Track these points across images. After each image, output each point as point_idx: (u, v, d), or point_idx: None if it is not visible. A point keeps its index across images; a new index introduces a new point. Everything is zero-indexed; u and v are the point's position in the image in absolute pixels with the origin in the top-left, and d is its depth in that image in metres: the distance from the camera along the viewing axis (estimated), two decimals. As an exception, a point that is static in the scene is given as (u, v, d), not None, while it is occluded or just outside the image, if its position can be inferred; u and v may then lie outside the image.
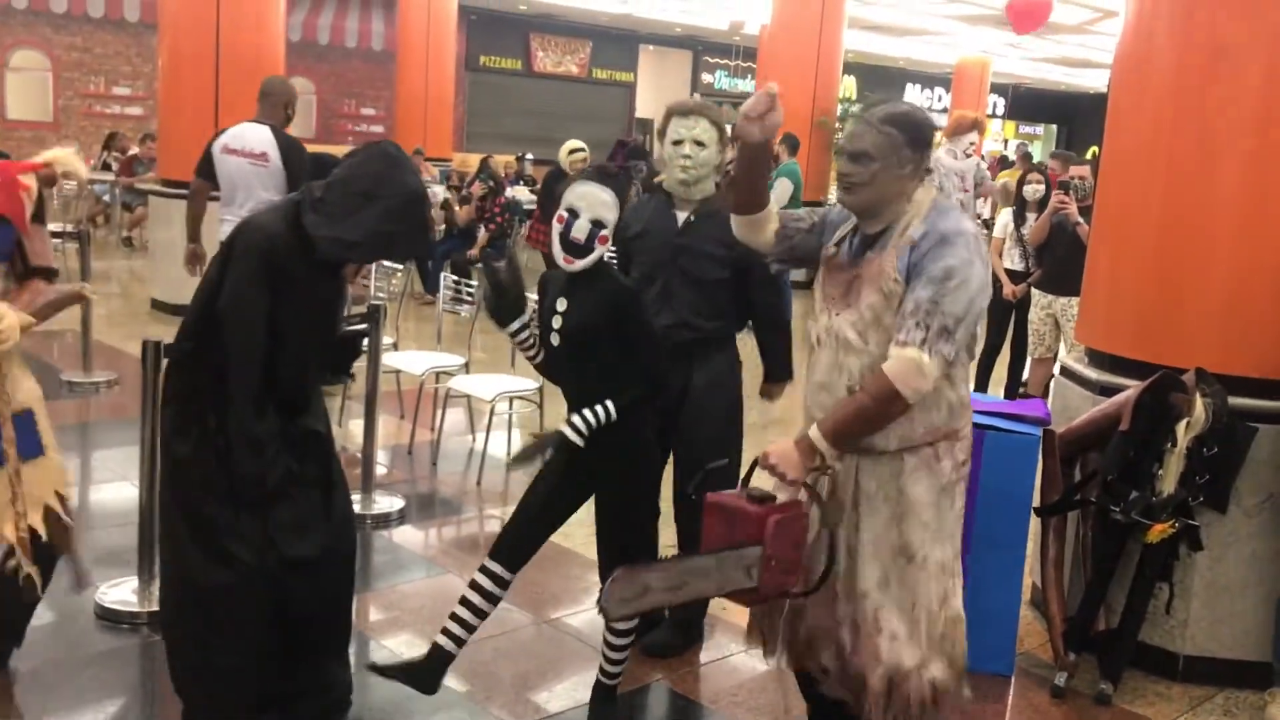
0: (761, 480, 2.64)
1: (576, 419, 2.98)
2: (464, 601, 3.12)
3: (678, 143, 3.46)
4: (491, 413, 5.52)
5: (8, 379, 2.94)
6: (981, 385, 7.23)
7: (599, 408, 2.97)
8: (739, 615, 4.00)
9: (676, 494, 3.69)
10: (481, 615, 3.12)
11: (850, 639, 2.77)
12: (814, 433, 2.60)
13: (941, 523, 2.71)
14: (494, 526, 4.93)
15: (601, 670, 3.24)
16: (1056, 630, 3.80)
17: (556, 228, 2.96)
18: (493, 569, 3.10)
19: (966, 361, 2.72)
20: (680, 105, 3.54)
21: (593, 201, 2.96)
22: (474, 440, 5.99)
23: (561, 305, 3.02)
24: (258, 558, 2.80)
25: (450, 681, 3.53)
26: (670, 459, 3.68)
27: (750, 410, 3.78)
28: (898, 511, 2.69)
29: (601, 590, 2.52)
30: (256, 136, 5.86)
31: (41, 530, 3.01)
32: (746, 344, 3.75)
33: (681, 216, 3.52)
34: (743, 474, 2.69)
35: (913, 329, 2.52)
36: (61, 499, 3.10)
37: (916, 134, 2.64)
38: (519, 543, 3.12)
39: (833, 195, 11.16)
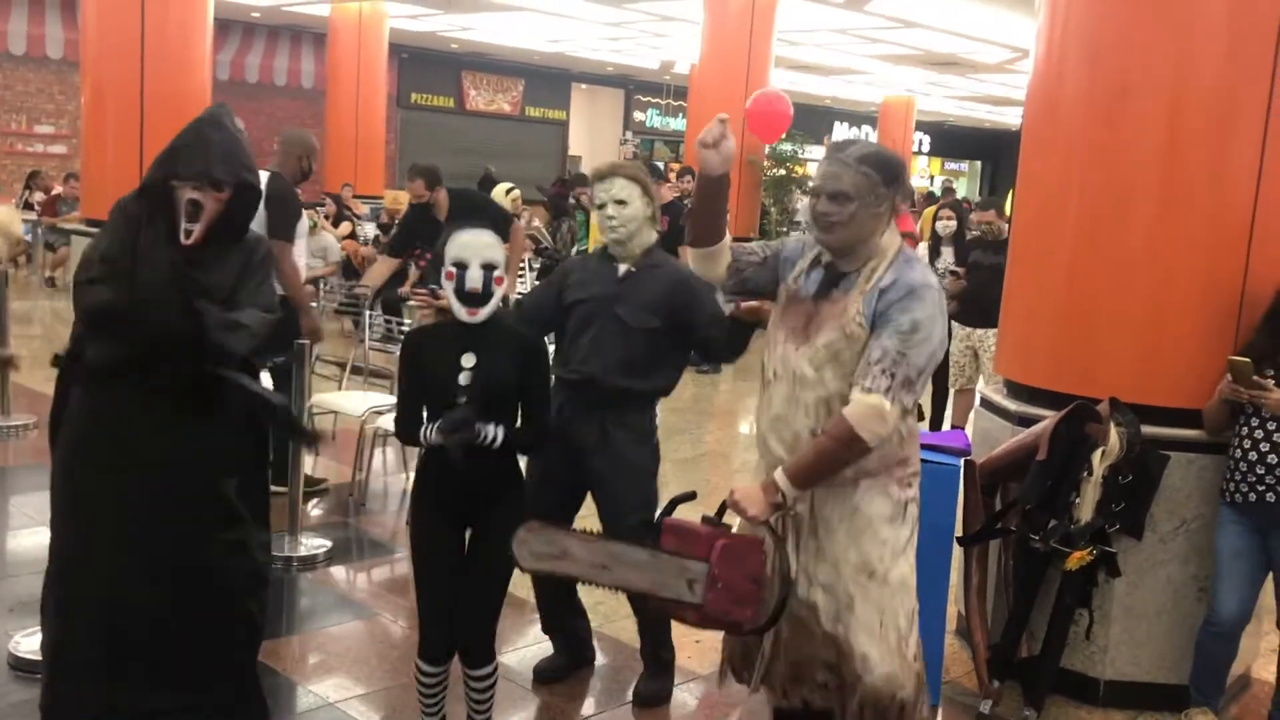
0: (730, 520, 2.70)
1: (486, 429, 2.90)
2: (420, 701, 3.13)
3: (601, 206, 3.52)
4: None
5: None
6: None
7: (497, 429, 2.91)
8: (679, 657, 4.00)
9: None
10: (441, 705, 3.14)
11: (833, 666, 2.79)
12: (778, 475, 2.68)
13: (898, 539, 2.77)
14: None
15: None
16: (981, 658, 3.85)
17: (448, 285, 2.90)
18: (426, 669, 3.08)
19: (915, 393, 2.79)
20: (597, 170, 3.59)
21: (478, 247, 2.91)
22: (407, 479, 5.94)
23: (469, 361, 2.92)
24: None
25: (378, 725, 3.49)
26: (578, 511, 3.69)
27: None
28: (854, 530, 2.75)
29: (514, 537, 2.60)
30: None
31: None
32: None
33: (622, 268, 3.56)
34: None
35: (878, 376, 2.61)
36: None
37: (890, 173, 2.73)
38: (439, 637, 3.05)
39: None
